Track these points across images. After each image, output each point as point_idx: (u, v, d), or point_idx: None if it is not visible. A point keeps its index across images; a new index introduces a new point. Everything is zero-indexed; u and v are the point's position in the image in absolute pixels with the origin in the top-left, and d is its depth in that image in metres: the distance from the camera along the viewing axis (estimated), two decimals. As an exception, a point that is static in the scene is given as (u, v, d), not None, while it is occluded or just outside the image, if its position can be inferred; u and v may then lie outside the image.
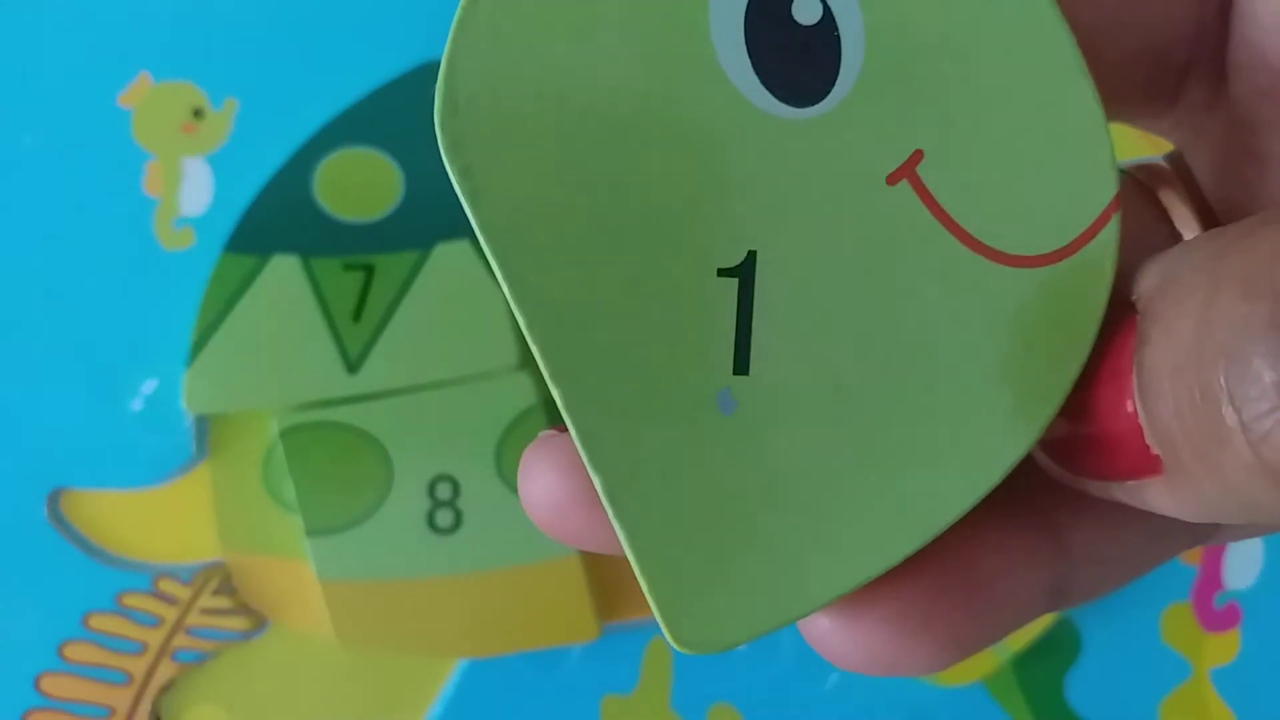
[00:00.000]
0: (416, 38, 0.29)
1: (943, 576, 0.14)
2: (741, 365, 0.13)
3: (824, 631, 0.14)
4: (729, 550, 0.13)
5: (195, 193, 0.29)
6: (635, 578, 0.13)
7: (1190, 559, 0.32)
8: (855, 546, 0.13)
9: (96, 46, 0.29)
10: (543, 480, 0.14)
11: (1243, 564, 0.32)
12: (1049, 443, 0.14)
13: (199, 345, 0.29)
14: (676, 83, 0.13)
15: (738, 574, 0.13)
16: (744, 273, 0.13)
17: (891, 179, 0.13)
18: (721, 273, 0.13)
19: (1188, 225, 0.16)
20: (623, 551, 0.13)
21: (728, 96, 0.13)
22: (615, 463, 0.13)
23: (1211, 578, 0.32)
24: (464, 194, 0.13)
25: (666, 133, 0.13)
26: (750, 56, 0.13)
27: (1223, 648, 0.32)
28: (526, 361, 0.29)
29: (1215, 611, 0.32)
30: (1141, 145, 0.19)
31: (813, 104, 0.13)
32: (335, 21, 0.30)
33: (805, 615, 0.14)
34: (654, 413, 0.13)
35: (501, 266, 0.13)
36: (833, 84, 0.13)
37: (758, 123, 0.13)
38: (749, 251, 0.13)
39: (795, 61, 0.13)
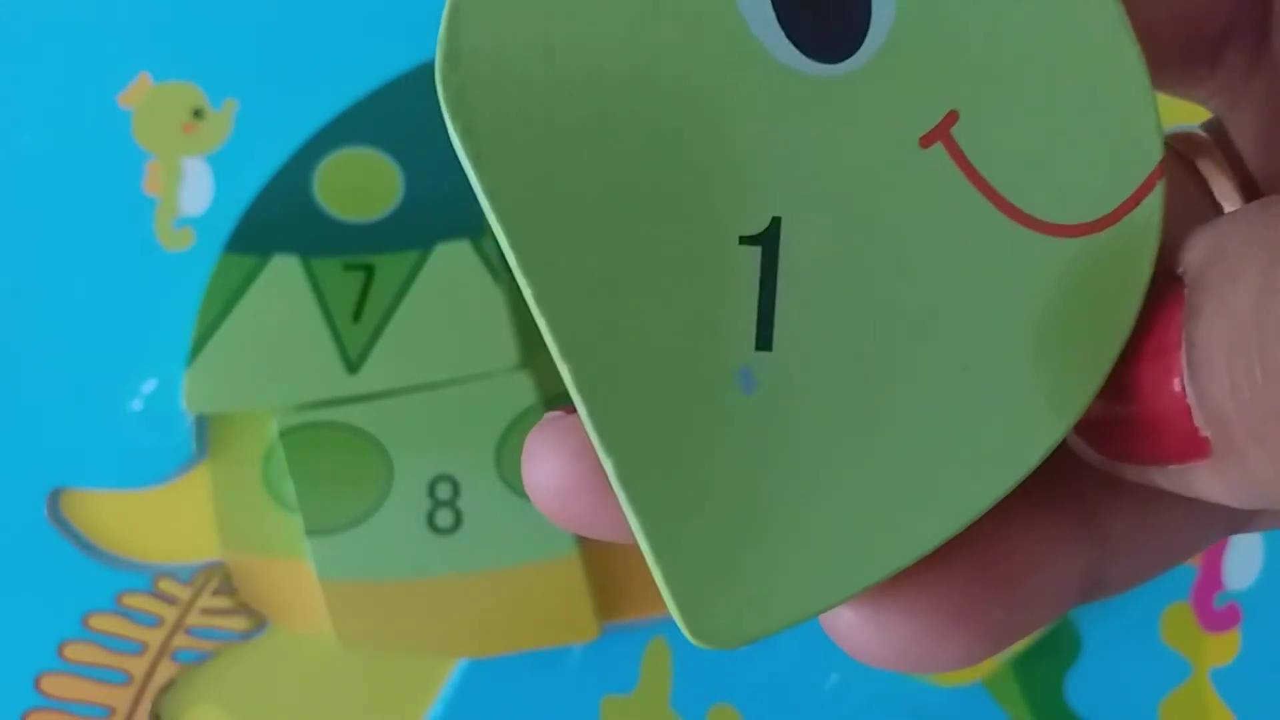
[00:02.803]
0: (416, 38, 0.29)
1: (975, 567, 0.13)
2: (764, 341, 0.12)
3: (848, 625, 0.13)
4: (748, 539, 0.12)
5: (195, 193, 0.29)
6: (637, 575, 0.13)
7: (1190, 559, 0.32)
8: (883, 535, 0.13)
9: (96, 46, 0.29)
10: (549, 464, 0.13)
11: (1243, 564, 0.32)
12: (1086, 425, 0.13)
13: (199, 345, 0.29)
14: (696, 36, 0.12)
15: (758, 564, 0.12)
16: (767, 241, 0.12)
17: (925, 141, 0.13)
18: (743, 240, 0.12)
19: (1229, 196, 0.15)
20: (633, 539, 0.12)
21: (751, 51, 0.12)
22: (628, 445, 0.12)
23: (1211, 578, 0.32)
24: (466, 155, 0.12)
25: (684, 90, 0.12)
26: (775, 8, 0.12)
27: (1223, 648, 0.32)
28: (526, 361, 0.29)
29: (1215, 611, 0.32)
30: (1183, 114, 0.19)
31: (842, 60, 0.12)
32: (335, 21, 0.29)
33: (830, 608, 0.13)
34: (669, 392, 0.12)
35: (507, 234, 0.12)
36: (863, 39, 0.12)
37: (783, 79, 0.12)
38: (773, 218, 0.12)
39: (824, 14, 0.12)
